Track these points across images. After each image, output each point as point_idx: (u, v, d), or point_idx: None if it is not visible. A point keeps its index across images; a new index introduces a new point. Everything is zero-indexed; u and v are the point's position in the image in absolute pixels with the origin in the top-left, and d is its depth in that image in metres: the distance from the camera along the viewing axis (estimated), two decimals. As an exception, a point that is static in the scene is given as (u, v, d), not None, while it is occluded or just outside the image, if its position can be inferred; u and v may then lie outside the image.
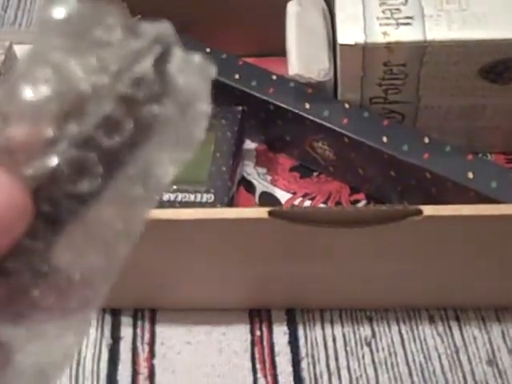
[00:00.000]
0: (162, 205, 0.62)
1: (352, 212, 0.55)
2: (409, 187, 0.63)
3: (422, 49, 0.59)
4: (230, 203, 0.64)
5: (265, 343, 0.61)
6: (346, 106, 0.64)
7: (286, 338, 0.61)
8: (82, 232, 0.24)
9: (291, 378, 0.59)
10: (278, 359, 0.60)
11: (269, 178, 0.70)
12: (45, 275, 0.24)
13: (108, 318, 0.63)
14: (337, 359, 0.60)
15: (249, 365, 0.60)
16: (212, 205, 0.62)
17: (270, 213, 0.51)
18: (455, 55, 0.60)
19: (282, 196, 0.69)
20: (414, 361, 0.59)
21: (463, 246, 0.54)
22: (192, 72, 0.26)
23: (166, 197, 0.63)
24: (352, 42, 0.59)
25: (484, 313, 0.61)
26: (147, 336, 0.62)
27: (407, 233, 0.53)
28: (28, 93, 0.23)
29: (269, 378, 0.59)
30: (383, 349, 0.60)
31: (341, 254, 0.55)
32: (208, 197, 0.62)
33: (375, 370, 0.59)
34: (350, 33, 0.60)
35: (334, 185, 0.69)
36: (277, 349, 0.60)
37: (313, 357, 0.60)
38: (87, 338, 0.62)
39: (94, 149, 0.23)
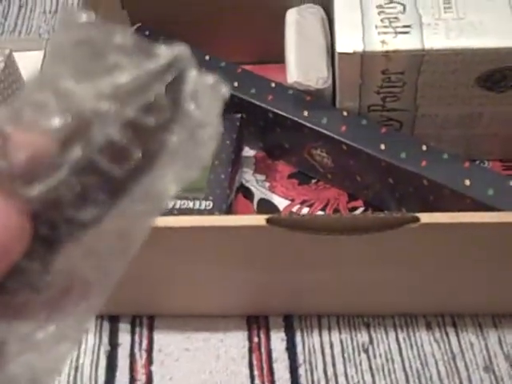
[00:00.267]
0: (161, 212, 0.62)
1: (349, 219, 0.55)
2: (406, 194, 0.63)
3: (419, 57, 0.60)
4: (229, 210, 0.64)
5: (262, 350, 0.61)
6: (345, 113, 0.65)
7: (283, 345, 0.61)
8: (79, 247, 0.24)
9: (289, 385, 0.59)
10: (275, 366, 0.60)
11: (267, 184, 0.71)
12: (41, 290, 0.24)
13: (106, 325, 0.63)
14: (334, 365, 0.60)
15: (246, 371, 0.60)
16: (210, 212, 0.62)
17: (267, 220, 0.51)
18: (453, 64, 0.60)
19: (280, 203, 0.69)
20: (411, 367, 0.59)
21: (460, 253, 0.54)
22: (205, 93, 0.25)
23: (164, 203, 0.63)
24: (350, 51, 0.60)
25: (481, 319, 0.61)
26: (145, 343, 0.62)
27: (404, 240, 0.53)
28: (31, 116, 0.23)
29: (266, 384, 0.59)
30: (380, 355, 0.60)
31: (338, 261, 0.56)
32: (206, 204, 0.63)
33: (372, 376, 0.59)
34: (348, 41, 0.60)
35: (332, 192, 0.70)
36: (274, 355, 0.61)
37: (310, 363, 0.60)
38: (85, 345, 0.62)
39: (97, 174, 0.23)
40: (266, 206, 0.69)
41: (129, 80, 0.24)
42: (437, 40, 0.59)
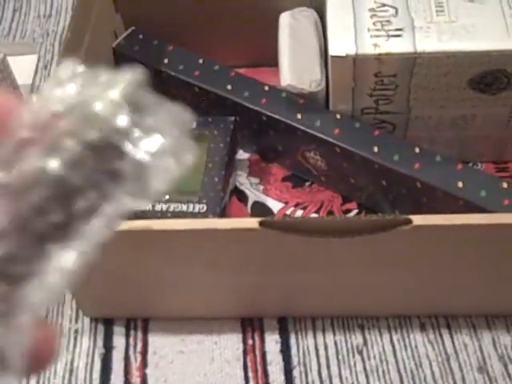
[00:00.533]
0: (155, 215, 0.63)
1: (342, 222, 0.55)
2: (400, 196, 0.63)
3: (412, 60, 0.60)
4: (223, 213, 0.64)
5: (257, 352, 0.61)
6: (338, 116, 0.65)
7: (278, 347, 0.61)
8: None
9: (283, 387, 0.59)
10: (270, 368, 0.60)
11: (261, 187, 0.71)
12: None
13: (101, 328, 0.63)
14: (329, 367, 0.60)
15: (241, 373, 0.60)
16: (204, 215, 0.62)
17: (261, 223, 0.52)
18: (445, 66, 0.60)
19: (274, 205, 0.69)
20: (405, 368, 0.59)
21: (453, 254, 0.55)
22: (164, 124, 0.24)
23: (158, 207, 0.63)
24: (343, 54, 0.60)
25: (475, 320, 0.62)
26: (140, 345, 0.62)
27: (397, 242, 0.53)
28: None
29: (261, 386, 0.59)
30: (375, 357, 0.60)
31: (332, 263, 0.56)
32: (200, 207, 0.63)
33: (367, 377, 0.59)
34: (341, 44, 0.61)
35: (326, 194, 0.70)
36: (269, 357, 0.61)
37: (305, 365, 0.60)
38: (80, 348, 0.62)
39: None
40: (260, 209, 0.69)
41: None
42: (429, 43, 0.60)
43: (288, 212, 0.69)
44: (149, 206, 0.63)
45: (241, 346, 0.62)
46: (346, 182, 0.67)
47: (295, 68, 0.67)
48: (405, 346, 0.61)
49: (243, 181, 0.71)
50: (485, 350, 0.60)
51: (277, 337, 0.62)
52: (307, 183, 0.71)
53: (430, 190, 0.60)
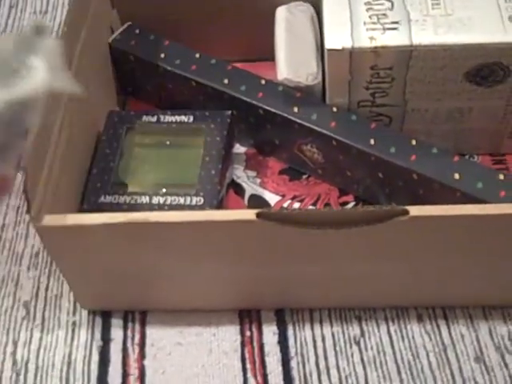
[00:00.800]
0: (152, 207, 0.63)
1: (339, 213, 0.55)
2: (396, 188, 0.64)
3: (408, 53, 0.60)
4: (219, 206, 0.64)
5: (255, 343, 0.61)
6: (334, 109, 0.65)
7: (275, 338, 0.62)
8: None
9: (281, 378, 0.59)
10: (267, 359, 0.60)
11: (258, 180, 0.71)
12: None
13: (98, 320, 0.63)
14: (326, 358, 0.60)
15: (239, 365, 0.60)
16: (201, 208, 0.63)
17: (257, 215, 0.52)
18: (441, 59, 0.61)
19: (271, 198, 0.70)
20: (402, 359, 0.60)
21: (450, 245, 0.55)
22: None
23: (155, 200, 0.63)
24: (339, 47, 0.60)
25: (472, 311, 0.62)
26: (138, 337, 0.62)
27: (394, 233, 0.53)
28: None
29: (259, 377, 0.59)
30: (372, 347, 0.60)
31: (329, 255, 0.56)
32: (197, 200, 0.63)
33: (364, 368, 0.59)
34: (337, 38, 0.61)
35: (323, 187, 0.70)
36: (266, 349, 0.61)
37: (302, 356, 0.60)
38: (78, 340, 0.62)
39: None
40: (257, 202, 0.69)
41: None
42: (425, 36, 0.60)
43: (285, 205, 0.69)
44: (146, 199, 0.63)
45: (239, 337, 0.62)
46: (342, 175, 0.68)
47: (292, 62, 0.67)
48: (402, 336, 0.61)
49: (240, 174, 0.72)
50: (482, 341, 0.60)
51: (274, 328, 0.62)
52: (304, 176, 0.71)
53: (427, 182, 0.61)
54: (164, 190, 0.64)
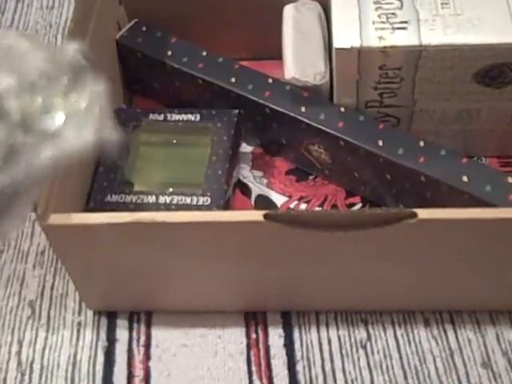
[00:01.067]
0: (158, 207, 0.62)
1: (347, 215, 0.55)
2: (404, 190, 0.63)
3: (417, 53, 0.60)
4: (226, 206, 0.64)
5: (260, 346, 0.61)
6: (342, 109, 0.65)
7: (281, 341, 0.61)
8: None
9: (287, 381, 0.59)
10: (273, 362, 0.60)
11: (265, 181, 0.71)
12: None
13: (104, 321, 0.63)
14: (332, 362, 0.60)
15: (244, 367, 0.60)
16: (208, 208, 0.62)
17: (265, 216, 0.51)
18: (450, 59, 0.60)
19: (278, 199, 0.69)
20: (408, 364, 0.59)
21: (457, 249, 0.54)
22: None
23: (161, 199, 0.63)
24: (348, 46, 0.60)
25: (479, 316, 0.61)
26: (143, 338, 0.62)
27: (402, 236, 0.53)
28: None
29: (264, 380, 0.59)
30: (378, 352, 0.60)
31: (336, 257, 0.56)
32: (204, 200, 0.63)
33: (370, 372, 0.59)
34: (345, 37, 0.60)
35: (330, 188, 0.70)
36: (272, 351, 0.61)
37: (308, 359, 0.60)
38: (83, 341, 0.62)
39: None
40: (263, 203, 0.69)
41: None
42: (434, 36, 0.60)
43: (292, 206, 0.69)
44: (153, 199, 0.63)
45: (244, 339, 0.61)
46: (349, 176, 0.67)
47: (299, 61, 0.66)
48: (408, 341, 0.61)
49: (247, 174, 0.71)
50: (489, 346, 0.60)
51: (280, 331, 0.62)
52: (311, 177, 0.71)
53: (435, 184, 0.60)
54: (170, 190, 0.64)
